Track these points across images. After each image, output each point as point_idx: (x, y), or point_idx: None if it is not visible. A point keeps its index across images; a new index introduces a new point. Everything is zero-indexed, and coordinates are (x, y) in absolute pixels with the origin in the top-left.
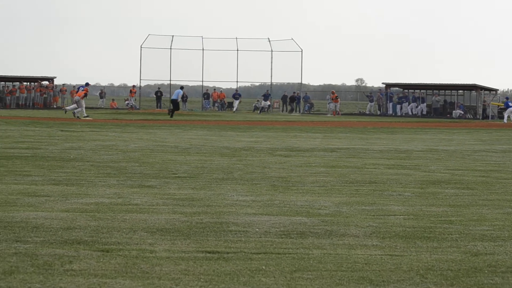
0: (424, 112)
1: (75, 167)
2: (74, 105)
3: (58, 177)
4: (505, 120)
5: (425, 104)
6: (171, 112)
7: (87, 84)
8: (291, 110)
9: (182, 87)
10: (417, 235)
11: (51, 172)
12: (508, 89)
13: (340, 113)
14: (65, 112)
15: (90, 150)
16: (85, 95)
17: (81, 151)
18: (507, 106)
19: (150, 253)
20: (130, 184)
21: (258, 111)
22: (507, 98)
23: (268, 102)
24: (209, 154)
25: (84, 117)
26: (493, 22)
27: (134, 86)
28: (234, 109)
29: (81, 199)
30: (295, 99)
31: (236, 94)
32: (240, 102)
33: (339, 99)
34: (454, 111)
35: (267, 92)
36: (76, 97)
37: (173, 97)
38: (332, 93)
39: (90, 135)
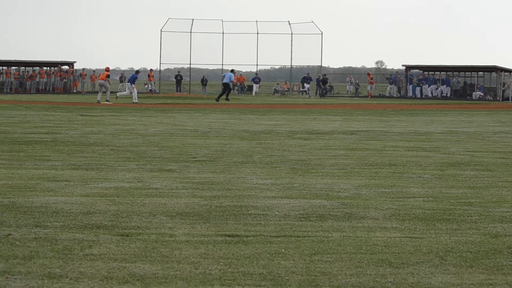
0: (446, 94)
1: (94, 151)
2: (127, 91)
3: (77, 161)
4: None
5: (445, 86)
6: (220, 96)
7: (137, 72)
8: (324, 93)
9: (233, 70)
10: (437, 217)
11: (71, 157)
12: None
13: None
14: (116, 98)
15: (110, 134)
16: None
17: (101, 136)
18: None
19: (170, 237)
20: (149, 168)
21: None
22: None
23: (308, 86)
24: (228, 138)
25: (106, 101)
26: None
27: (151, 70)
28: (253, 93)
29: (100, 184)
30: (326, 82)
31: (256, 78)
32: (259, 86)
33: (374, 81)
34: (474, 93)
35: (308, 75)
36: (101, 81)
37: (225, 80)
38: (368, 74)
39: (109, 119)
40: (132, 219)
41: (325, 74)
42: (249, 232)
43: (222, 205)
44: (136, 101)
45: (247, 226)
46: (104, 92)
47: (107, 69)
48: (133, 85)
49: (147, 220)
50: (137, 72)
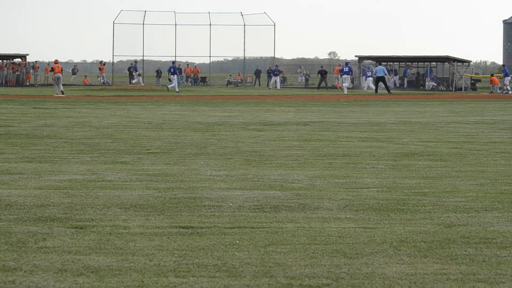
0: (397, 85)
1: (48, 144)
2: (174, 82)
3: (31, 154)
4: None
5: (397, 76)
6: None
7: (174, 62)
8: (322, 83)
9: (174, 62)
10: (391, 208)
11: (24, 150)
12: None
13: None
14: (168, 90)
15: (63, 127)
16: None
17: (54, 128)
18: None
19: (124, 229)
20: (103, 160)
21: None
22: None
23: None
24: (182, 130)
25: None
26: None
27: (101, 62)
28: (277, 85)
29: (54, 176)
30: (325, 72)
31: (276, 70)
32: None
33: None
34: (427, 83)
35: (321, 68)
36: (59, 74)
37: (378, 74)
38: (339, 65)
39: (63, 112)
40: (86, 212)
41: (322, 66)
42: (203, 223)
43: (176, 197)
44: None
45: (201, 217)
46: (58, 84)
47: (57, 61)
48: (174, 76)
49: (101, 213)
50: (174, 62)
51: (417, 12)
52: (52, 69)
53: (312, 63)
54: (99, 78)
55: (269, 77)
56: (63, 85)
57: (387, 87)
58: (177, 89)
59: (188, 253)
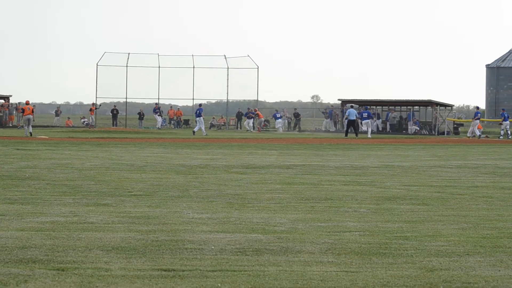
0: (380, 128)
1: (30, 185)
2: (199, 125)
3: (13, 195)
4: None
5: (380, 120)
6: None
7: (200, 105)
8: (297, 127)
9: (352, 106)
10: (373, 251)
11: (6, 191)
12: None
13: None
14: (194, 134)
15: (46, 168)
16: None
17: (37, 170)
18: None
19: (106, 272)
20: (85, 202)
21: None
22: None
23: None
24: (164, 172)
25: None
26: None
27: (93, 104)
28: (250, 128)
29: (36, 218)
30: (298, 115)
31: (277, 113)
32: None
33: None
34: (409, 127)
35: (295, 110)
36: (30, 116)
37: (351, 117)
38: (255, 110)
39: (45, 153)
40: (68, 254)
41: (296, 109)
42: (185, 266)
43: (158, 239)
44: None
45: (183, 260)
46: (28, 126)
47: (28, 102)
48: (200, 118)
49: (83, 255)
50: (200, 105)
51: (401, 56)
52: (23, 110)
53: (295, 106)
54: (82, 120)
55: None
56: (44, 126)
57: (356, 131)
58: (204, 133)
59: None
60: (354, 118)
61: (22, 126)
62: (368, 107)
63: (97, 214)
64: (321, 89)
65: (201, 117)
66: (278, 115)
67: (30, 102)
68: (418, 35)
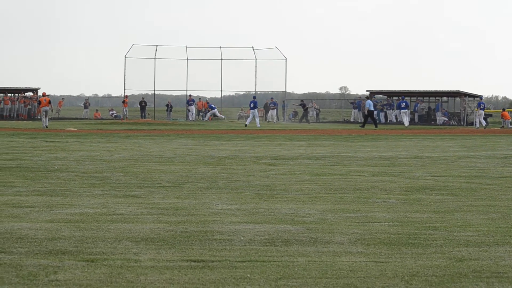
0: (411, 120)
1: (59, 177)
2: (251, 117)
3: (42, 187)
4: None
5: (408, 111)
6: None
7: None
8: (304, 118)
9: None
10: (402, 242)
11: (36, 183)
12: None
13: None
14: (246, 126)
15: (75, 160)
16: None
17: (66, 162)
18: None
19: (135, 263)
20: (114, 194)
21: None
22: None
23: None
24: (193, 163)
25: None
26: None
27: (127, 96)
28: (273, 119)
29: (65, 210)
30: (306, 106)
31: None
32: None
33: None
34: (438, 118)
35: (302, 101)
36: (47, 107)
37: (371, 108)
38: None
39: (74, 145)
40: (97, 245)
41: (302, 100)
42: (214, 257)
43: (187, 230)
44: (258, 125)
45: (213, 251)
46: (45, 117)
47: (45, 94)
48: (254, 110)
49: (112, 246)
50: (255, 97)
51: (429, 46)
52: (40, 102)
53: (324, 98)
54: (110, 112)
55: (266, 111)
56: (72, 118)
57: (374, 122)
58: (258, 124)
59: (199, 286)
60: (373, 109)
61: (40, 118)
62: (397, 98)
63: (126, 205)
64: (349, 80)
65: (256, 109)
66: (403, 104)
67: (59, 95)
68: (447, 24)
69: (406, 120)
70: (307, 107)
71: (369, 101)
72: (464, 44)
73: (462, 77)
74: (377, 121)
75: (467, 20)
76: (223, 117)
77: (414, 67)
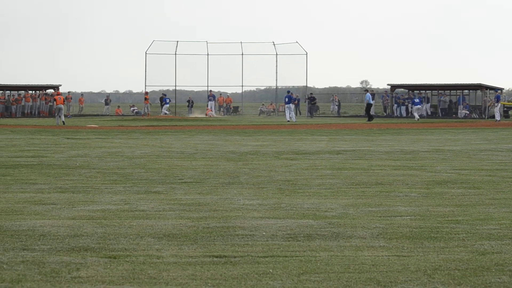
0: (429, 113)
1: (81, 174)
2: (288, 113)
3: (64, 184)
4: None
5: (429, 104)
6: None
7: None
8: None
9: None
10: (424, 236)
11: (57, 180)
12: None
13: None
14: (288, 121)
15: (96, 157)
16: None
17: (87, 159)
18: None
19: (157, 259)
20: (136, 190)
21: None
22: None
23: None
24: (215, 159)
25: (63, 122)
26: (499, 21)
27: (147, 93)
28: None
29: (87, 206)
30: (314, 99)
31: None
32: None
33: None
34: (459, 111)
35: (311, 94)
36: (62, 105)
37: (370, 101)
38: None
39: (95, 142)
40: (119, 241)
41: (311, 94)
42: (236, 252)
43: (209, 226)
44: (295, 120)
45: (235, 246)
46: (60, 116)
47: (60, 93)
48: (290, 104)
49: (135, 242)
50: (289, 92)
51: (450, 39)
52: (54, 100)
53: (345, 92)
54: (132, 109)
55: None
56: (93, 115)
57: (369, 115)
58: (294, 119)
59: (221, 282)
60: (372, 102)
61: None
62: (418, 91)
63: (148, 201)
64: (370, 74)
65: (290, 104)
66: (417, 100)
67: (80, 92)
68: (468, 17)
69: (416, 115)
70: (315, 102)
71: (368, 94)
72: (485, 36)
73: (484, 70)
74: (398, 116)
75: (489, 10)
76: (168, 112)
77: (435, 60)
